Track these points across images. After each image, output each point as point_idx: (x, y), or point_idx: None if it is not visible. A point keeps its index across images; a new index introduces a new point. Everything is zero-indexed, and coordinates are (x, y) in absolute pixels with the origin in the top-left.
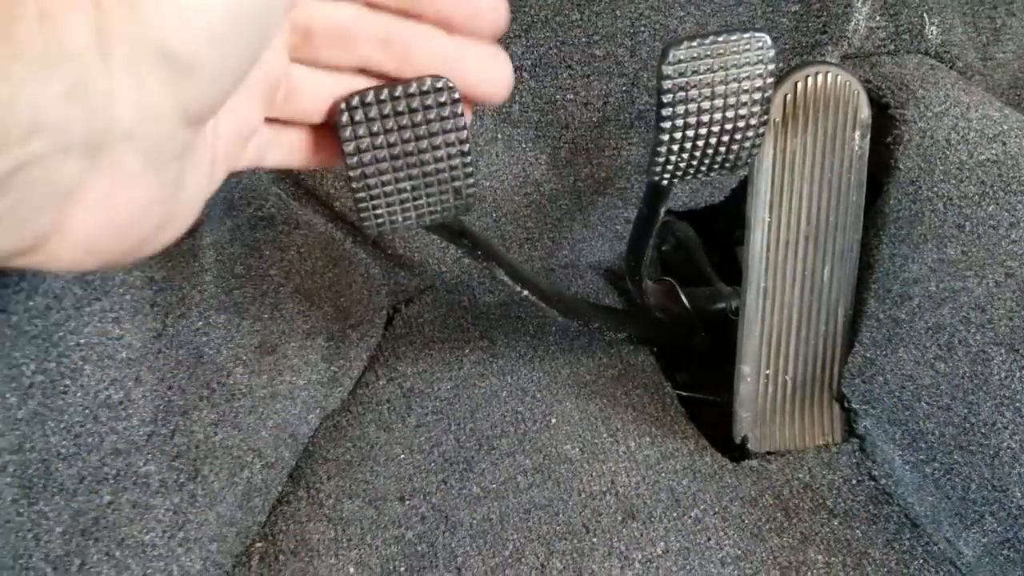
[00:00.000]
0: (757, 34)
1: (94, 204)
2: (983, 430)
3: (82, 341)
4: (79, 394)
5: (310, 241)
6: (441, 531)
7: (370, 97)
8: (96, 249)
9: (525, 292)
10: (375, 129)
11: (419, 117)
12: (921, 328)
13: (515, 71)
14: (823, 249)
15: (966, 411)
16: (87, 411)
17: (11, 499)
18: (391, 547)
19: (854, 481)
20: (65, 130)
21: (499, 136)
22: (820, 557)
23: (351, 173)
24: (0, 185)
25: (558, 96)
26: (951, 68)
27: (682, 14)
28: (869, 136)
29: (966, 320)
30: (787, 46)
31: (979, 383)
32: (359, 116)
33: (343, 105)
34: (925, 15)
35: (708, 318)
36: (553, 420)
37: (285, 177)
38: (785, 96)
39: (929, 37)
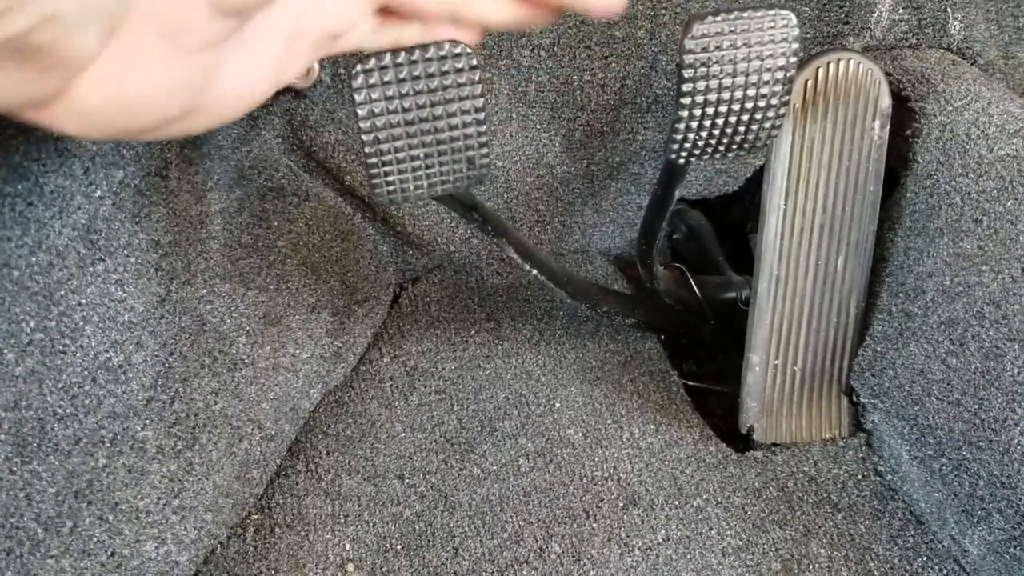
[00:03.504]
0: (782, 12)
1: (104, 80)
2: (993, 426)
3: (84, 301)
4: (78, 355)
5: (319, 214)
6: (440, 511)
7: (387, 60)
8: (100, 123)
9: (534, 272)
10: (390, 93)
11: (435, 83)
12: (934, 322)
13: (533, 50)
14: (838, 239)
15: (977, 407)
16: (86, 372)
17: (4, 456)
18: (389, 525)
19: (859, 476)
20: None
21: (514, 116)
22: (823, 551)
23: (365, 138)
24: (13, 42)
25: (575, 77)
26: (972, 64)
27: None
28: (889, 127)
29: (980, 315)
30: (809, 35)
31: (991, 379)
32: (374, 79)
33: (358, 67)
34: (948, 10)
35: (717, 307)
36: (557, 404)
37: (297, 148)
38: (806, 82)
39: (951, 32)
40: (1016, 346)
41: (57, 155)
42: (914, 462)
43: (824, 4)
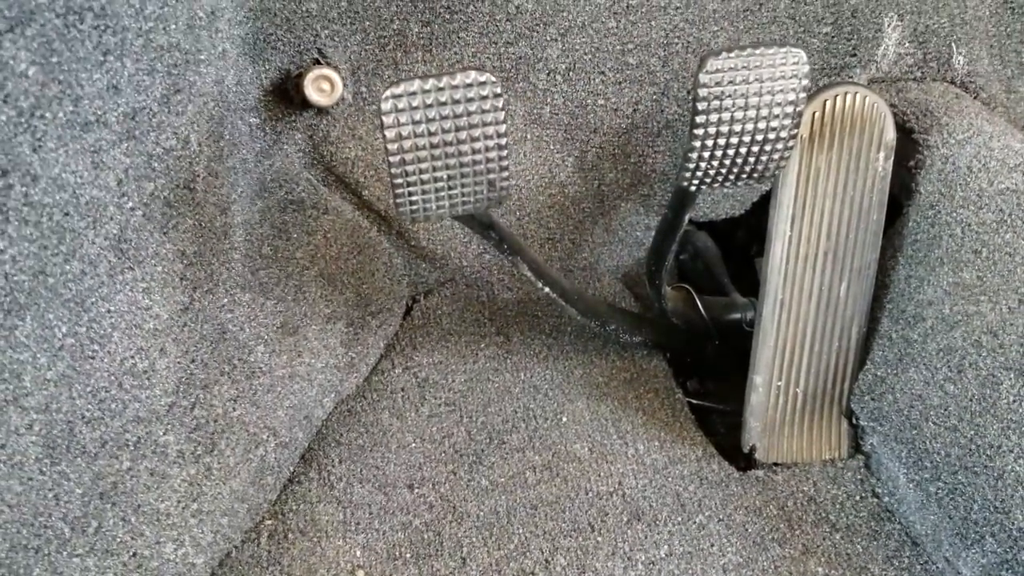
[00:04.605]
0: (793, 49)
1: None
2: (989, 452)
3: (112, 308)
4: (106, 360)
5: (337, 227)
6: (448, 521)
7: (415, 86)
8: None
9: (546, 289)
10: (417, 118)
11: (460, 109)
12: (933, 349)
13: (549, 74)
14: (841, 265)
15: (973, 433)
16: (113, 377)
17: (35, 457)
18: (398, 533)
19: (858, 497)
20: None
21: (528, 136)
22: (820, 569)
23: (391, 159)
24: None
25: (589, 101)
26: (975, 98)
27: (716, 29)
28: (893, 158)
29: (977, 344)
30: (816, 66)
31: (987, 406)
32: (403, 104)
33: (388, 92)
34: (953, 45)
35: (722, 327)
36: (564, 419)
37: (317, 163)
38: (813, 114)
39: (956, 67)
40: (1012, 375)
41: (93, 168)
42: (911, 485)
43: (832, 37)
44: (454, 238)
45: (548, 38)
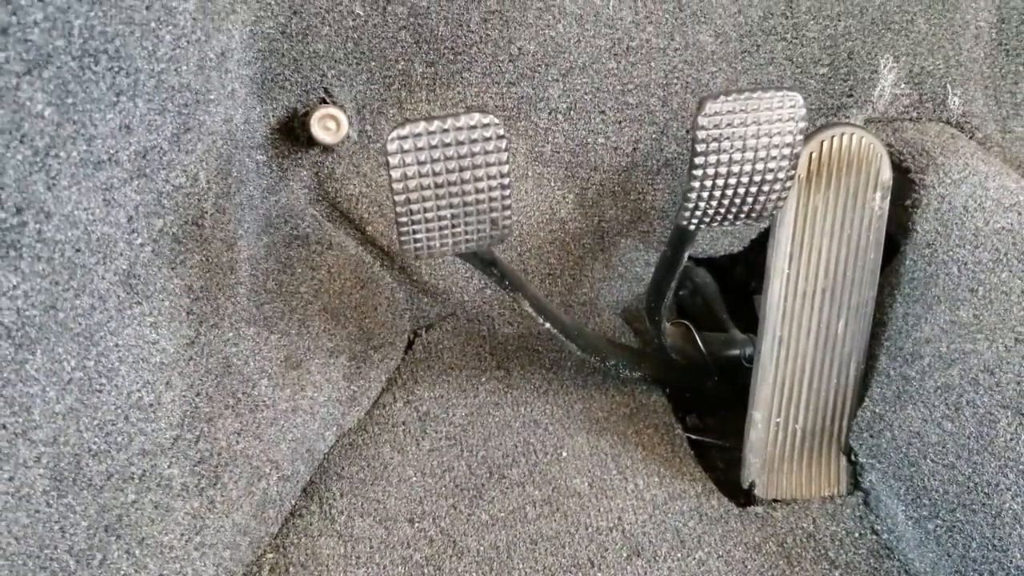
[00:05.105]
0: (790, 93)
1: None
2: (986, 490)
3: (120, 342)
4: (113, 393)
5: (341, 262)
6: (448, 555)
7: (420, 128)
8: None
9: (547, 325)
10: (422, 159)
11: (464, 150)
12: (930, 387)
13: (550, 113)
14: (839, 303)
15: (970, 471)
16: (119, 411)
17: (42, 490)
18: (399, 568)
19: (857, 534)
20: None
21: (530, 173)
22: None
23: (396, 199)
24: None
25: (590, 139)
26: (971, 138)
27: (714, 69)
28: (889, 198)
29: (974, 382)
30: (814, 106)
31: (984, 444)
32: (408, 145)
33: (394, 134)
34: (948, 86)
35: (722, 363)
36: (564, 453)
37: (322, 199)
38: (811, 154)
39: (951, 107)
40: (1009, 413)
41: (105, 205)
42: (909, 522)
43: (829, 78)
44: (456, 273)
45: (549, 79)
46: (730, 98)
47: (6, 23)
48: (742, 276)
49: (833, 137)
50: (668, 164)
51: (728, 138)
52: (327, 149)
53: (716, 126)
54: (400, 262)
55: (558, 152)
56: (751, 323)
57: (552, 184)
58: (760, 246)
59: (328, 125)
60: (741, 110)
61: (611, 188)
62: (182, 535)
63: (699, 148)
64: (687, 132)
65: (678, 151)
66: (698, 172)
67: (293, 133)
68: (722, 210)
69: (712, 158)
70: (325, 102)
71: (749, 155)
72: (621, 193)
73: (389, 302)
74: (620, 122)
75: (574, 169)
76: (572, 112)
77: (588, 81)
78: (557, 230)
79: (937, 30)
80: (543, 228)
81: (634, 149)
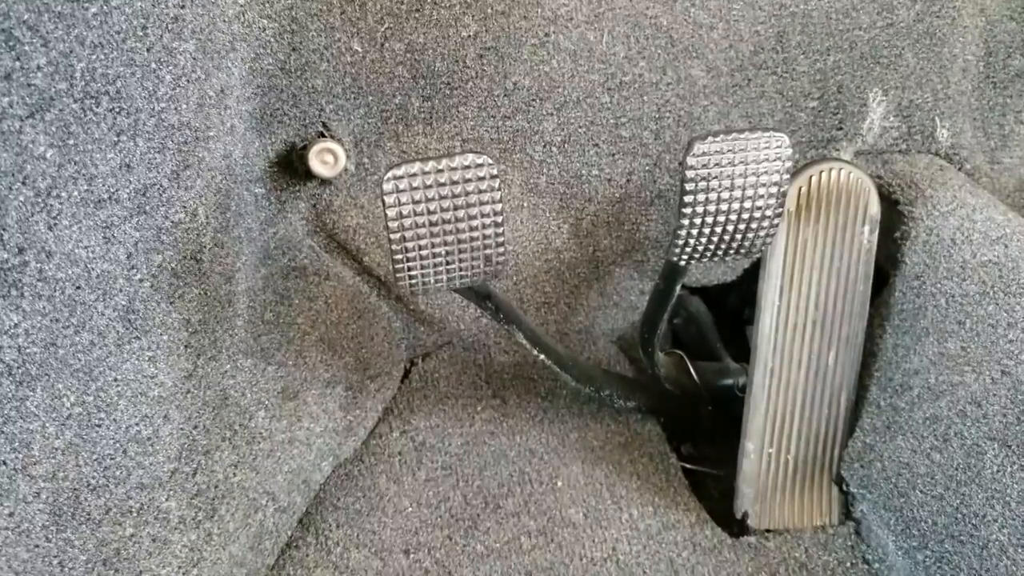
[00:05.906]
0: (776, 134)
1: None
2: (974, 521)
3: (119, 377)
4: (112, 428)
5: (338, 293)
6: None
7: (415, 168)
8: None
9: (542, 356)
10: (417, 198)
11: (459, 189)
12: (919, 418)
13: (545, 146)
14: (829, 335)
15: (958, 502)
16: (118, 444)
17: (41, 525)
18: None
19: (848, 564)
20: None
21: (525, 205)
22: None
23: (392, 236)
24: None
25: (584, 171)
26: (959, 169)
27: (706, 103)
28: (878, 231)
29: (962, 414)
30: (803, 139)
31: (972, 475)
32: (403, 185)
33: (389, 174)
34: (937, 119)
35: (715, 392)
36: (559, 483)
37: (320, 231)
38: (800, 188)
39: (940, 139)
40: (996, 445)
41: (105, 242)
42: (900, 552)
43: (819, 112)
44: (452, 303)
45: (544, 112)
46: (718, 139)
47: (10, 68)
48: (736, 305)
49: (822, 172)
50: (661, 195)
51: (716, 177)
52: (325, 182)
53: (704, 166)
54: (397, 292)
55: (553, 184)
56: (745, 352)
57: (547, 215)
58: (754, 275)
59: (326, 158)
60: (729, 150)
61: (605, 219)
62: (179, 568)
63: (688, 187)
64: (679, 164)
65: (671, 183)
66: (687, 211)
67: (291, 166)
68: (712, 247)
69: (701, 197)
70: (323, 136)
71: (737, 194)
72: (615, 224)
73: (385, 332)
74: (614, 154)
75: (569, 200)
76: (567, 145)
77: (582, 115)
78: (552, 260)
79: (925, 64)
80: (539, 258)
81: (627, 181)
